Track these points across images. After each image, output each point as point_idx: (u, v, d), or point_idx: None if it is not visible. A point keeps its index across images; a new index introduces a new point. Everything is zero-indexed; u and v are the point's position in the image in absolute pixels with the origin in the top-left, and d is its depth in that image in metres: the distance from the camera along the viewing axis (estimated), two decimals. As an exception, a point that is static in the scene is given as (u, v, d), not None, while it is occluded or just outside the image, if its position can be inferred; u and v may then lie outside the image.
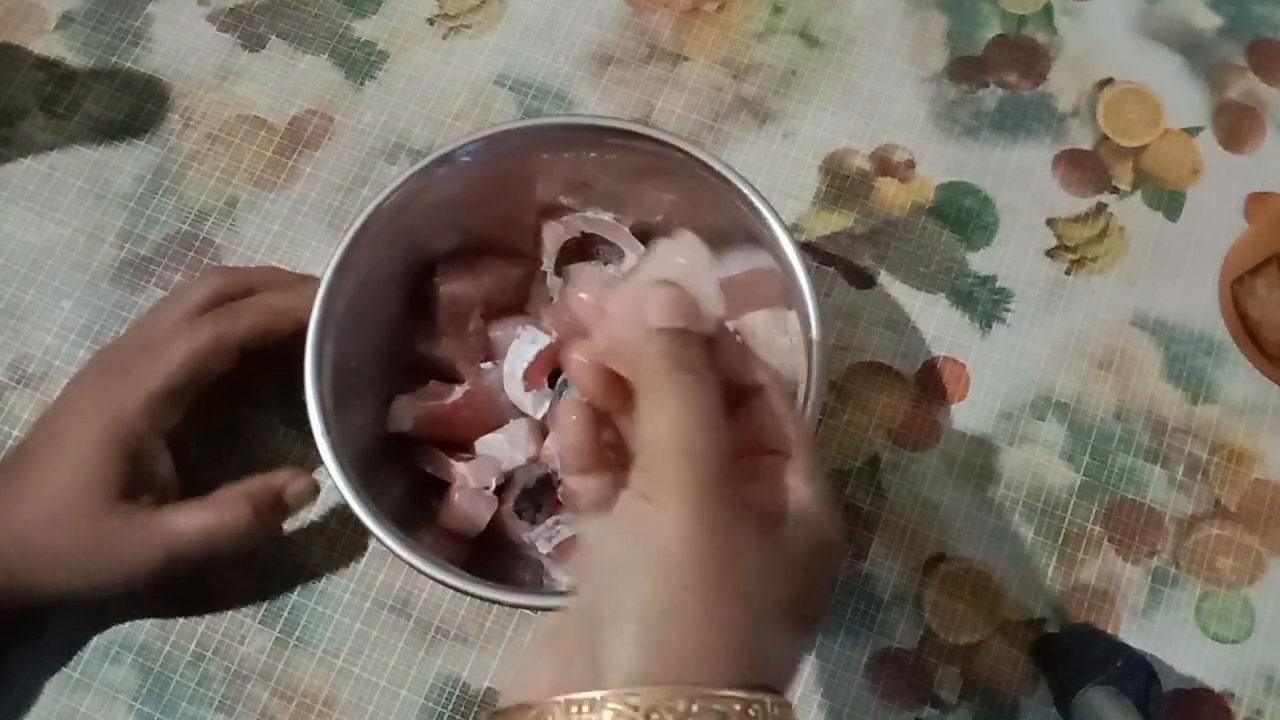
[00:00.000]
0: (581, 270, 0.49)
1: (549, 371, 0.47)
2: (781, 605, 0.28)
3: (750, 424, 0.32)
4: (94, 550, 0.42)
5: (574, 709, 0.26)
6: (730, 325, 0.47)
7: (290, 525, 0.49)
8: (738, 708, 0.26)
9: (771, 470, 0.31)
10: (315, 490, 0.40)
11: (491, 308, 0.48)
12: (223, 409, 0.46)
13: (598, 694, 0.26)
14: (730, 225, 0.45)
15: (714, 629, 0.27)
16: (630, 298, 0.31)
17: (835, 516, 0.31)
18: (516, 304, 0.49)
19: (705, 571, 0.27)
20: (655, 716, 0.25)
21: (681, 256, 0.35)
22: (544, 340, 0.46)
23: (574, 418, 0.31)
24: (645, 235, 0.49)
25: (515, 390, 0.46)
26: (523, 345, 0.46)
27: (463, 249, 0.48)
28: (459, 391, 0.46)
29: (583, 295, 0.45)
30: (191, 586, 0.48)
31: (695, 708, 0.26)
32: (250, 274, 0.48)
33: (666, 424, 0.29)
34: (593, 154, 0.46)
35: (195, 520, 0.43)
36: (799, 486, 0.30)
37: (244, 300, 0.46)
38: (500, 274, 0.48)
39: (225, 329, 0.44)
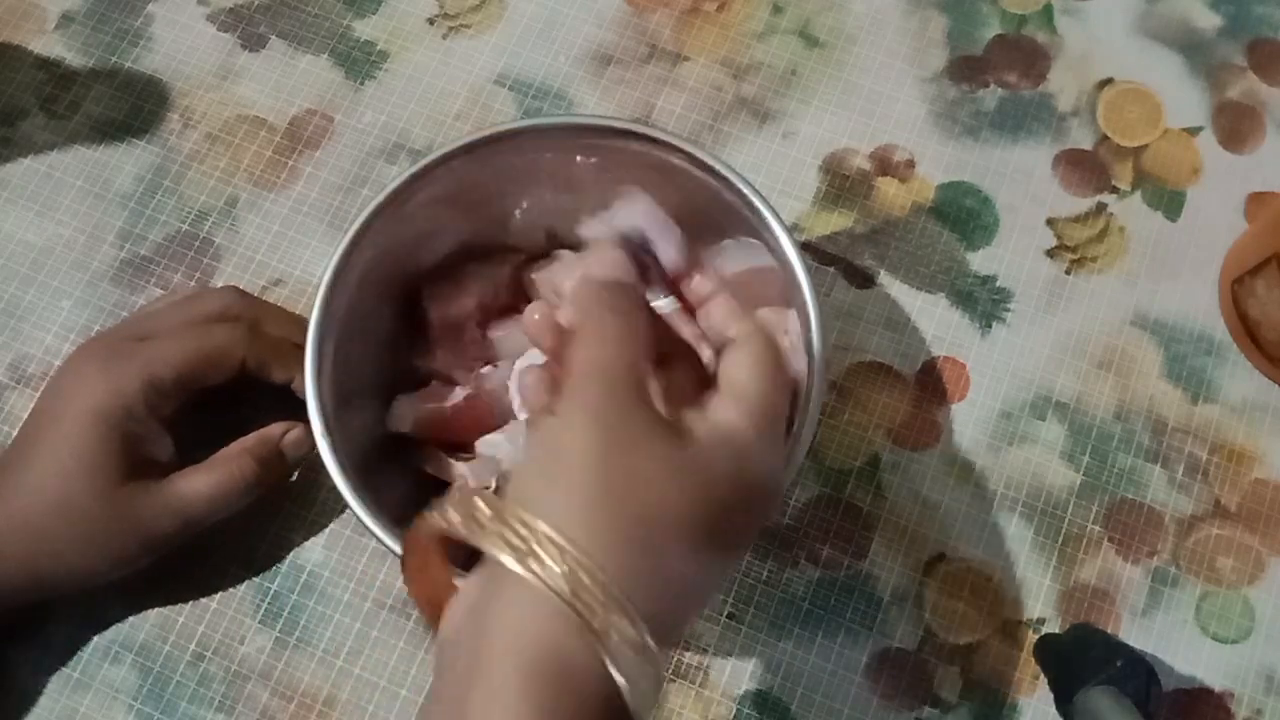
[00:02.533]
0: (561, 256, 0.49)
1: None
2: (684, 521, 0.29)
3: (721, 368, 0.34)
4: (108, 528, 0.43)
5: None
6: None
7: (291, 525, 0.49)
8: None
9: (721, 404, 0.32)
10: (310, 437, 0.41)
11: (488, 313, 0.48)
12: (223, 409, 0.46)
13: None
14: (730, 225, 0.45)
15: (598, 532, 0.28)
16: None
17: (770, 458, 0.33)
18: (513, 303, 0.49)
19: (595, 463, 0.29)
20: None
21: (636, 217, 0.39)
22: None
23: (531, 379, 0.34)
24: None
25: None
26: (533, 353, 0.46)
27: (451, 258, 0.48)
28: (460, 394, 0.46)
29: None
30: (192, 586, 0.48)
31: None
32: (264, 307, 0.48)
33: (584, 352, 0.32)
34: (593, 154, 0.46)
35: (203, 482, 0.44)
36: (735, 419, 0.32)
37: (265, 329, 0.46)
38: (488, 279, 0.48)
39: (237, 342, 0.45)
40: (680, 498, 0.30)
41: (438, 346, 0.48)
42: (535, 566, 0.27)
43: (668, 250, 0.37)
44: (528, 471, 0.31)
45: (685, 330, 0.38)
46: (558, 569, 0.27)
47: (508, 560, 0.28)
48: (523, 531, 0.28)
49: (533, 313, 0.35)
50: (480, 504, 0.29)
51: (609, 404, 0.30)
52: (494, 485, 0.46)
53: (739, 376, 0.33)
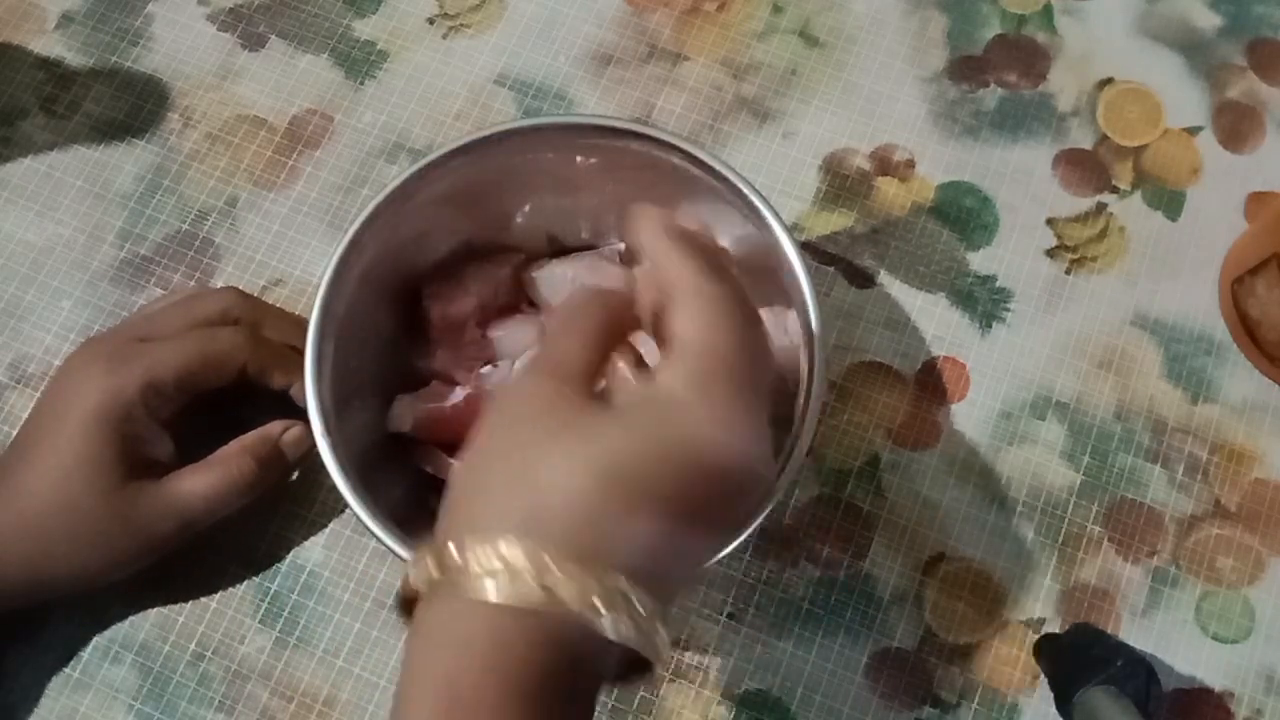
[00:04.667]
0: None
1: None
2: (623, 480, 0.29)
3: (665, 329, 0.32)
4: (108, 529, 0.43)
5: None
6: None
7: (291, 525, 0.49)
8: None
9: (658, 369, 0.31)
10: (310, 436, 0.41)
11: (487, 312, 0.48)
12: (223, 409, 0.46)
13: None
14: (730, 225, 0.45)
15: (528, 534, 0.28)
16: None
17: (714, 417, 0.30)
18: (513, 302, 0.49)
19: (503, 437, 0.31)
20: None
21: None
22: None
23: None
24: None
25: None
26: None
27: (452, 257, 0.48)
28: (460, 394, 0.46)
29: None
30: (192, 586, 0.48)
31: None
32: (265, 308, 0.48)
33: (552, 330, 0.34)
34: (593, 154, 0.46)
35: (203, 482, 0.44)
36: (666, 379, 0.30)
37: (266, 332, 0.47)
38: (489, 279, 0.48)
39: (238, 347, 0.45)
40: (573, 472, 0.29)
41: (438, 346, 0.48)
42: (503, 586, 0.27)
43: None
44: (459, 494, 0.31)
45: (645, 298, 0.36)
46: (530, 581, 0.27)
47: (482, 590, 0.28)
48: (471, 562, 0.28)
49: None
50: (428, 559, 0.29)
51: (541, 381, 0.31)
52: None
53: (679, 332, 0.31)
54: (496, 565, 0.28)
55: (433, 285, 0.48)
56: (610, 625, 0.27)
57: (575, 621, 0.27)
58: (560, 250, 0.50)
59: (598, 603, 0.27)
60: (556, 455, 0.29)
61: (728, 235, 0.46)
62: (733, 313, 0.31)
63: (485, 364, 0.48)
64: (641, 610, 0.28)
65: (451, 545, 0.28)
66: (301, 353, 0.42)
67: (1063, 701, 0.43)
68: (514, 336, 0.48)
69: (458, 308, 0.47)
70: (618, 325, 0.34)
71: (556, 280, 0.48)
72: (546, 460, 0.29)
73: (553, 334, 0.33)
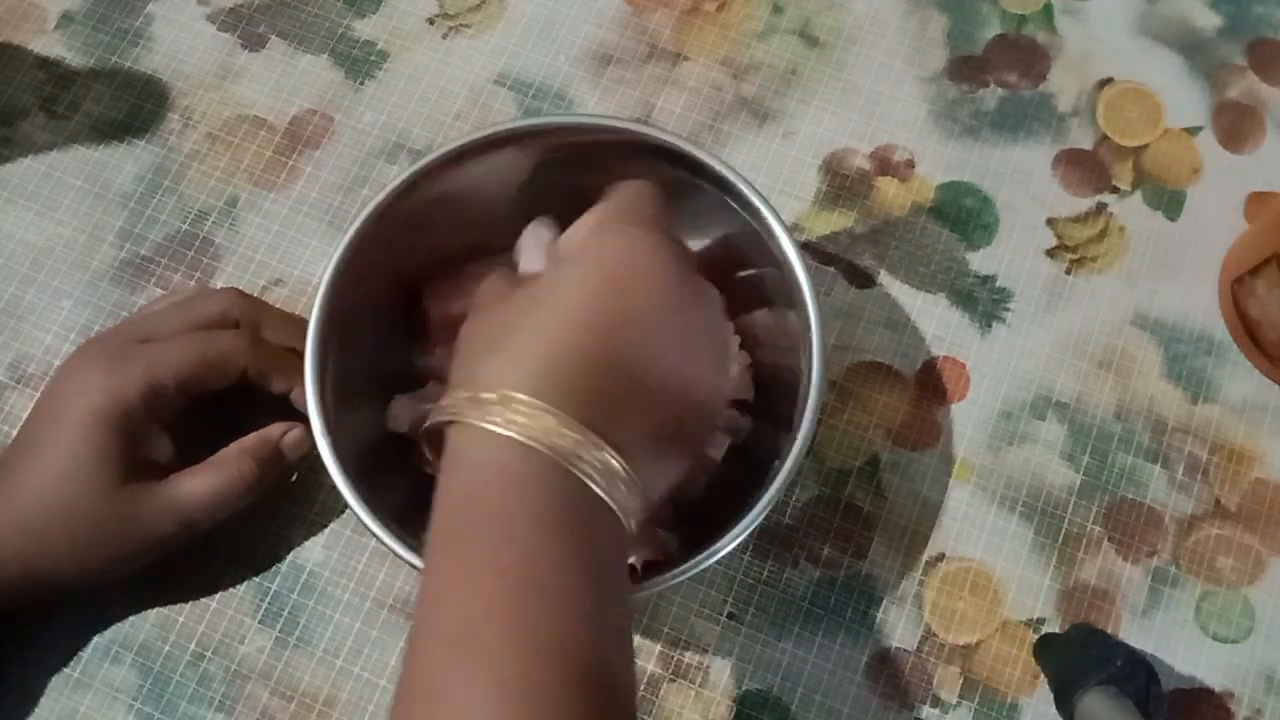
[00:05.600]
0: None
1: None
2: (593, 323, 0.33)
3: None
4: (107, 529, 0.43)
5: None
6: (730, 325, 0.47)
7: (291, 525, 0.49)
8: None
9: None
10: (310, 439, 0.41)
11: None
12: (223, 410, 0.46)
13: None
14: (730, 224, 0.45)
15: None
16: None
17: (636, 243, 0.35)
18: None
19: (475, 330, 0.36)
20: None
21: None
22: None
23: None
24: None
25: None
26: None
27: (452, 257, 0.48)
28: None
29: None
30: (192, 586, 0.48)
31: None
32: (266, 310, 0.48)
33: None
34: (592, 154, 0.46)
35: (204, 483, 0.44)
36: (585, 229, 0.36)
37: (266, 335, 0.47)
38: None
39: (240, 350, 0.45)
40: (552, 329, 0.33)
41: (437, 346, 0.48)
42: (502, 420, 0.31)
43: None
44: (460, 360, 0.35)
45: None
46: (523, 419, 0.31)
47: (477, 421, 0.31)
48: (482, 397, 0.32)
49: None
50: (441, 400, 0.33)
51: (492, 287, 0.38)
52: None
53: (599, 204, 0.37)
54: (515, 414, 0.31)
55: (433, 285, 0.48)
56: (600, 484, 0.31)
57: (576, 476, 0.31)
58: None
59: (590, 461, 0.31)
60: (542, 317, 0.34)
61: (727, 235, 0.46)
62: (638, 190, 0.38)
63: None
64: (623, 473, 0.32)
65: (473, 390, 0.32)
66: (302, 356, 0.42)
67: (1063, 701, 0.43)
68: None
69: (458, 308, 0.47)
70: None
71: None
72: (531, 322, 0.34)
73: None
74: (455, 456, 0.32)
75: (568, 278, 0.34)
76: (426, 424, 0.34)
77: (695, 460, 0.42)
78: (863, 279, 0.52)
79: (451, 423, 0.32)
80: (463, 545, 0.31)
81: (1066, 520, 0.49)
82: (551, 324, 0.33)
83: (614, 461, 0.32)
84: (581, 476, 0.31)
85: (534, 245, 0.42)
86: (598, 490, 0.31)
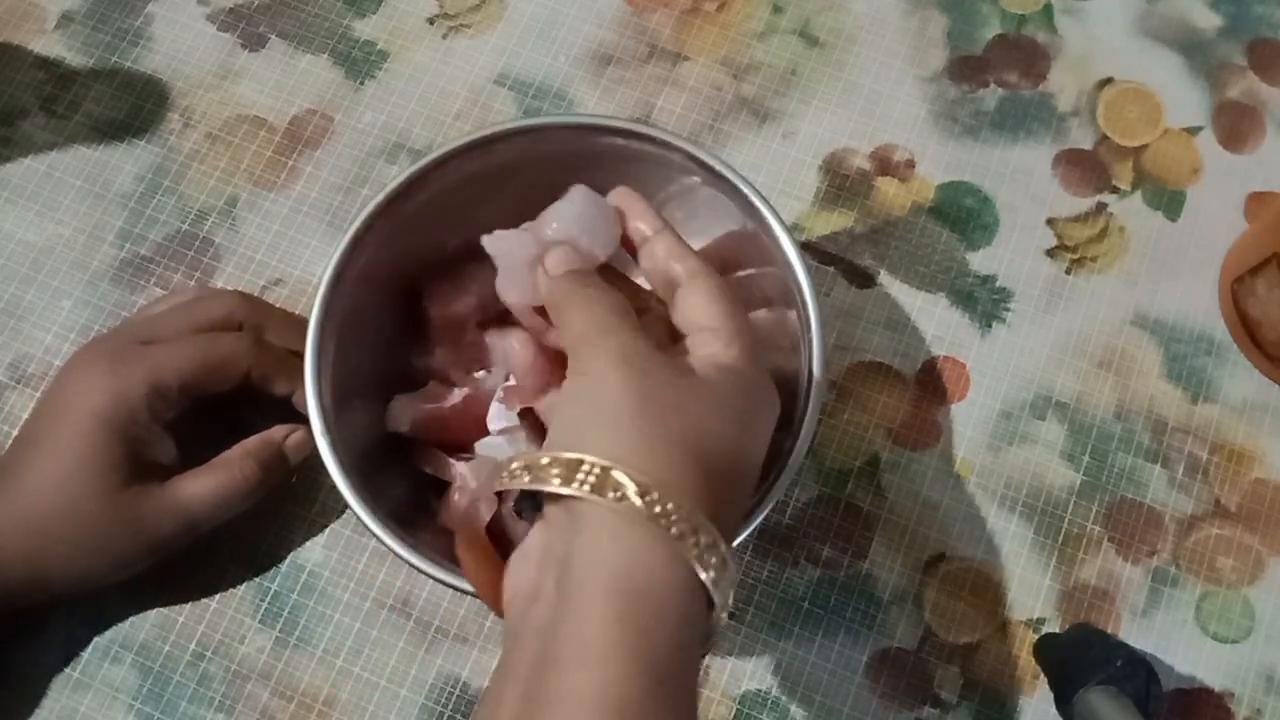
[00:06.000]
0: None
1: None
2: (721, 439, 0.33)
3: (680, 311, 0.37)
4: (109, 531, 0.43)
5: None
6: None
7: (291, 525, 0.49)
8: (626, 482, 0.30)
9: (699, 341, 0.36)
10: (312, 441, 0.41)
11: (488, 312, 0.48)
12: (223, 409, 0.46)
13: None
14: (730, 224, 0.45)
15: (654, 456, 0.31)
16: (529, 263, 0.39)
17: (757, 369, 0.36)
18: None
19: (637, 402, 0.32)
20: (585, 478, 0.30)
21: (575, 209, 0.40)
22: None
23: (521, 344, 0.41)
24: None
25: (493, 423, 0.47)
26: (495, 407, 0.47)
27: (453, 257, 0.48)
28: (458, 395, 0.46)
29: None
30: (192, 586, 0.48)
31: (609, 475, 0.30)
32: (268, 312, 0.48)
33: (578, 320, 0.36)
34: (592, 154, 0.46)
35: (206, 485, 0.44)
36: (720, 349, 0.35)
37: (269, 337, 0.47)
38: (489, 279, 0.48)
39: (242, 353, 0.45)
40: (713, 419, 0.33)
41: (437, 345, 0.48)
42: (611, 494, 0.30)
43: (594, 244, 0.40)
44: (568, 424, 0.33)
45: (637, 278, 0.41)
46: (631, 491, 0.30)
47: (582, 493, 0.30)
48: (586, 467, 0.30)
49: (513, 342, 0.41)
50: (540, 459, 0.31)
51: (629, 351, 0.33)
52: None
53: (703, 317, 0.36)
54: (631, 492, 0.30)
55: (432, 285, 0.48)
56: (708, 576, 0.30)
57: (685, 564, 0.30)
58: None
59: (704, 554, 0.30)
60: (690, 412, 0.33)
61: (727, 235, 0.46)
62: (728, 290, 0.37)
63: (482, 368, 0.48)
64: (729, 562, 0.31)
65: (583, 455, 0.31)
66: (304, 357, 0.42)
67: (1063, 701, 0.43)
68: (505, 343, 0.47)
69: (458, 308, 0.47)
70: (615, 291, 0.38)
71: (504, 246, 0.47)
72: (681, 409, 0.32)
73: (582, 310, 0.36)
74: (597, 534, 0.30)
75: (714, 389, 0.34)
76: (523, 488, 0.32)
77: None
78: (863, 279, 0.52)
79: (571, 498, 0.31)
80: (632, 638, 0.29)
81: (1066, 520, 0.49)
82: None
83: (724, 551, 0.31)
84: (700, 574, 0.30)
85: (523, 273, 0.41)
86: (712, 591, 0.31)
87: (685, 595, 0.30)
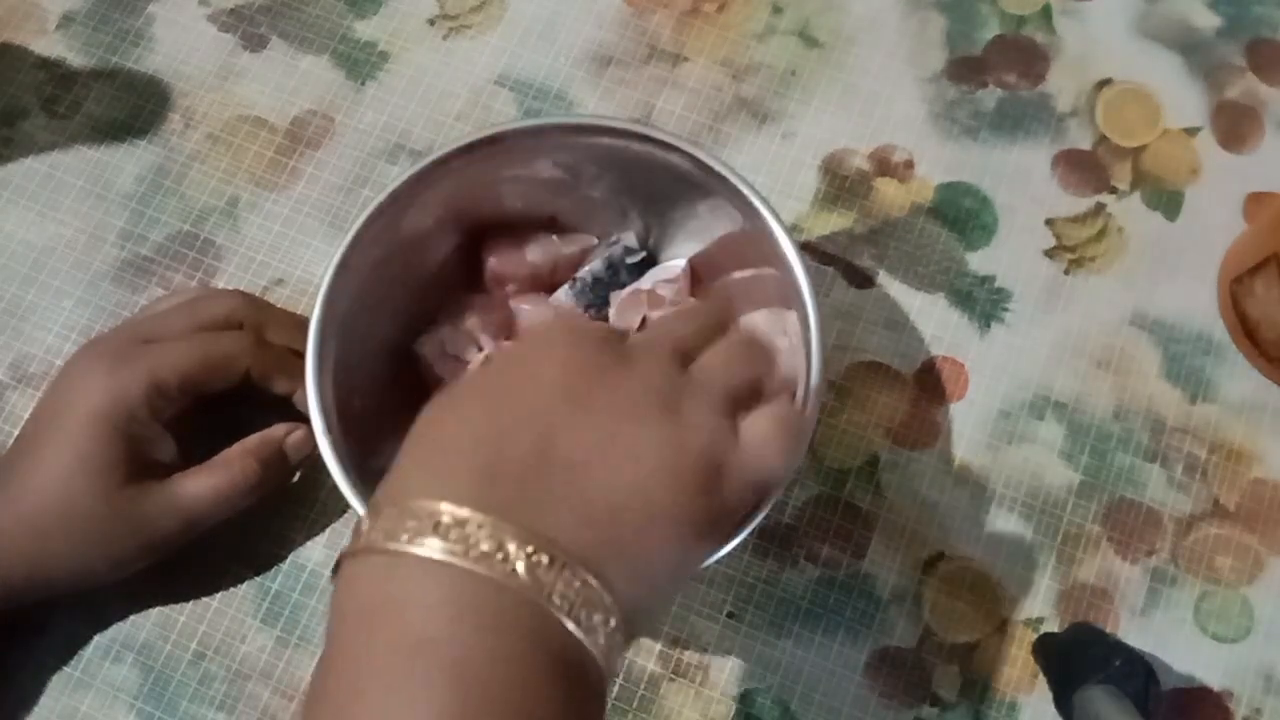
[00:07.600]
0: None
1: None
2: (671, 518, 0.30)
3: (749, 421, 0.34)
4: (110, 529, 0.43)
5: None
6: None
7: (292, 525, 0.49)
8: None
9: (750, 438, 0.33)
10: (311, 440, 0.41)
11: (538, 283, 0.49)
12: (223, 408, 0.46)
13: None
14: (729, 225, 0.45)
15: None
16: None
17: (778, 456, 0.33)
18: (561, 281, 0.49)
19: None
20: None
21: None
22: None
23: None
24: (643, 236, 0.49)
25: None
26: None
27: (523, 221, 0.49)
28: (482, 356, 0.46)
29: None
30: (193, 585, 0.48)
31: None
32: (269, 311, 0.48)
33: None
34: (592, 155, 0.46)
35: (207, 483, 0.44)
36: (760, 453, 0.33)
37: (269, 337, 0.47)
38: (551, 251, 0.49)
39: (243, 352, 0.45)
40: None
41: (474, 303, 0.48)
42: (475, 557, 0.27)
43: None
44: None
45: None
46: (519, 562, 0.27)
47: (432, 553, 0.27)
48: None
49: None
50: (391, 511, 0.28)
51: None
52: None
53: (770, 450, 0.33)
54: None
55: (496, 238, 0.48)
56: (587, 638, 0.28)
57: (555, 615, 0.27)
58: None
59: (580, 610, 0.27)
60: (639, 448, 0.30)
61: (727, 235, 0.46)
62: (799, 424, 0.36)
63: (506, 337, 0.48)
64: (613, 624, 0.28)
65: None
66: (304, 357, 0.42)
67: (1062, 701, 0.43)
68: (536, 314, 0.48)
69: (511, 268, 0.48)
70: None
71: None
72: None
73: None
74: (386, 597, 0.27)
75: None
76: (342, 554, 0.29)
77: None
78: (862, 279, 0.53)
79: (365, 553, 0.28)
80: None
81: (1065, 520, 0.49)
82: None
83: (591, 581, 0.27)
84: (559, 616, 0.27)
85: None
86: (575, 631, 0.27)
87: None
